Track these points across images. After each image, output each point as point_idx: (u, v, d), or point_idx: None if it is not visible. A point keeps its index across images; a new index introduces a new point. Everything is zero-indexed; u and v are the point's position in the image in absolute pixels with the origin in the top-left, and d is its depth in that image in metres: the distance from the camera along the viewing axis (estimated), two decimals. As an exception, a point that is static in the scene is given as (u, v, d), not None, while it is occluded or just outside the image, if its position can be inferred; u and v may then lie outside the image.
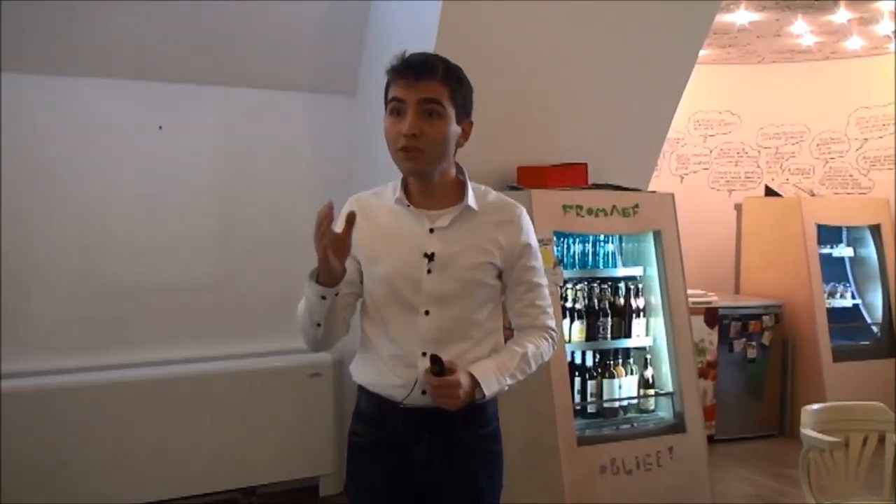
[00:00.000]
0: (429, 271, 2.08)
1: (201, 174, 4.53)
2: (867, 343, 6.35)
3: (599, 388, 4.28)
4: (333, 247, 1.92)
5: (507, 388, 2.15)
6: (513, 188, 4.42)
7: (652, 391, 4.37)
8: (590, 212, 4.16)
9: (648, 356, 4.39)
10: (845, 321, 6.32)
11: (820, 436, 3.28)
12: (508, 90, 4.38)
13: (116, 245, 4.37)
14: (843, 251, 6.46)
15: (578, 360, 4.28)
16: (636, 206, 4.28)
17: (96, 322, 4.33)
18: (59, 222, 4.25)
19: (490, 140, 4.46)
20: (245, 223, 4.63)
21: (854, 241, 6.49)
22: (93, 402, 4.12)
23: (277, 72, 4.55)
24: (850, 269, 6.54)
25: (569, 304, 4.24)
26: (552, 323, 2.25)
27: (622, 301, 4.33)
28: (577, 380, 4.24)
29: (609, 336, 4.29)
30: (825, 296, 6.19)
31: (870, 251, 6.44)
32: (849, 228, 6.46)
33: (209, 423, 4.33)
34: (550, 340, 2.25)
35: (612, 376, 4.30)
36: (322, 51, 4.60)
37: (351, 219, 1.94)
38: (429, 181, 2.13)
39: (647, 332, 4.38)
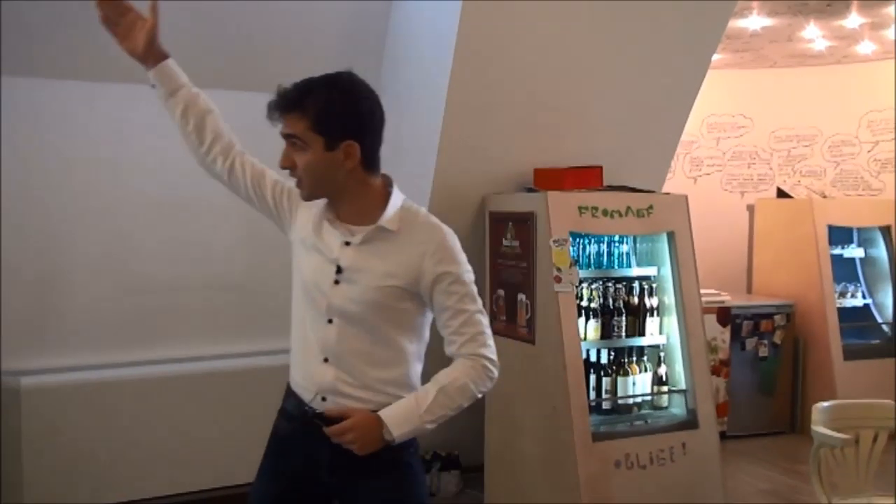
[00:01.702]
0: (336, 282, 2.05)
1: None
2: (877, 342, 6.29)
3: (614, 385, 4.27)
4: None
5: (427, 425, 2.01)
6: (530, 190, 4.42)
7: (665, 388, 4.35)
8: (605, 213, 4.15)
9: (662, 354, 4.37)
10: (856, 320, 6.26)
11: (831, 433, 3.25)
12: (526, 94, 4.38)
13: (145, 245, 4.40)
14: (854, 252, 6.40)
15: (594, 358, 4.27)
16: (650, 207, 4.26)
17: (125, 320, 4.36)
18: (91, 223, 4.28)
19: (507, 143, 4.47)
20: (269, 225, 4.63)
21: (865, 242, 6.43)
22: (120, 397, 4.15)
23: (300, 77, 4.56)
24: (860, 269, 6.48)
25: (584, 303, 4.23)
26: (483, 350, 2.06)
27: (636, 300, 4.32)
28: (593, 377, 4.23)
29: (623, 334, 4.28)
30: (836, 295, 6.13)
31: (880, 252, 6.37)
32: (859, 229, 6.39)
33: (231, 416, 4.34)
34: (482, 369, 2.05)
35: (626, 374, 4.28)
36: (343, 56, 4.58)
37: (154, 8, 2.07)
38: (339, 202, 2.10)
39: (661, 331, 4.36)
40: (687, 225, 4.34)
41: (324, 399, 2.07)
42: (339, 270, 2.05)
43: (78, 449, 4.04)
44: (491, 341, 2.10)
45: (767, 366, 6.04)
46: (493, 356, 2.09)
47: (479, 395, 2.07)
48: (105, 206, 4.29)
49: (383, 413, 1.99)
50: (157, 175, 4.39)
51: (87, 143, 4.24)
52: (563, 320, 3.96)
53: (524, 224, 4.18)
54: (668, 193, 4.55)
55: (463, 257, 2.08)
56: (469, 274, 2.09)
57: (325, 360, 2.07)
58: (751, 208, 6.70)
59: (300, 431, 2.14)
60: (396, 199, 2.10)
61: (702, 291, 4.45)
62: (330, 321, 2.07)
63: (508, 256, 4.30)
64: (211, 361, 4.39)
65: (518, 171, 4.54)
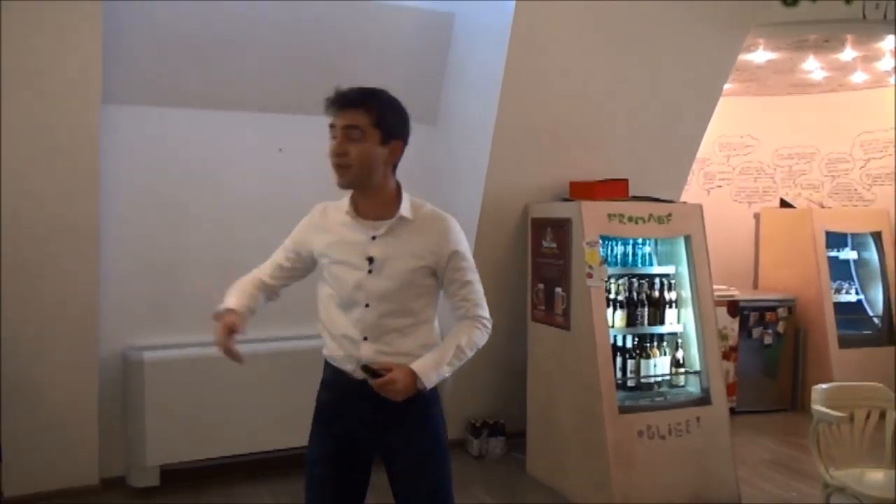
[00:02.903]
0: (370, 272, 2.09)
1: (312, 188, 4.55)
2: (869, 333, 6.09)
3: (637, 366, 4.21)
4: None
5: (447, 375, 2.14)
6: (566, 199, 4.38)
7: (682, 370, 4.27)
8: (630, 219, 4.09)
9: (679, 340, 4.29)
10: (850, 314, 6.08)
11: (829, 411, 3.18)
12: (563, 118, 4.36)
13: (242, 242, 4.44)
14: (849, 254, 6.23)
15: (620, 343, 4.22)
16: (670, 215, 4.19)
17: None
18: (199, 226, 4.34)
19: (547, 160, 4.45)
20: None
21: (858, 246, 6.25)
22: (222, 369, 4.10)
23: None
24: (854, 269, 6.29)
25: (612, 296, 4.17)
26: (483, 312, 2.21)
27: (657, 294, 4.24)
28: (619, 359, 4.17)
29: (646, 323, 4.22)
30: (832, 292, 5.97)
31: (872, 254, 6.18)
32: (853, 235, 6.21)
33: (314, 388, 4.35)
34: (483, 328, 2.20)
35: (648, 356, 4.22)
36: (408, 86, 4.62)
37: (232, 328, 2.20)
38: (365, 194, 2.14)
39: (679, 320, 4.28)
40: (701, 230, 4.27)
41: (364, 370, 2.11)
42: (371, 261, 2.09)
43: (189, 412, 4.10)
44: (485, 304, 2.23)
45: (771, 352, 5.89)
46: (488, 314, 2.22)
47: (479, 347, 2.20)
48: (210, 212, 4.35)
49: (415, 366, 2.07)
50: (250, 187, 4.44)
51: (196, 160, 4.30)
52: (594, 310, 3.91)
53: (561, 228, 4.14)
54: (685, 203, 4.47)
55: (464, 237, 2.20)
56: (469, 252, 2.21)
57: (365, 338, 2.11)
58: (757, 216, 6.58)
59: (340, 398, 2.18)
60: (406, 196, 2.17)
61: (714, 287, 4.36)
62: (367, 305, 2.10)
63: (547, 256, 4.26)
64: (291, 341, 4.38)
65: (556, 184, 4.51)
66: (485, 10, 4.20)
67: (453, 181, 4.55)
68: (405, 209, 2.12)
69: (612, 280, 4.19)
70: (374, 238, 2.11)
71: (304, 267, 2.30)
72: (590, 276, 3.94)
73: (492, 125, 4.19)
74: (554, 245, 4.20)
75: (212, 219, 4.35)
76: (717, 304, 4.58)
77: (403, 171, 2.24)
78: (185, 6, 3.86)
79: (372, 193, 2.13)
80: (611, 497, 3.78)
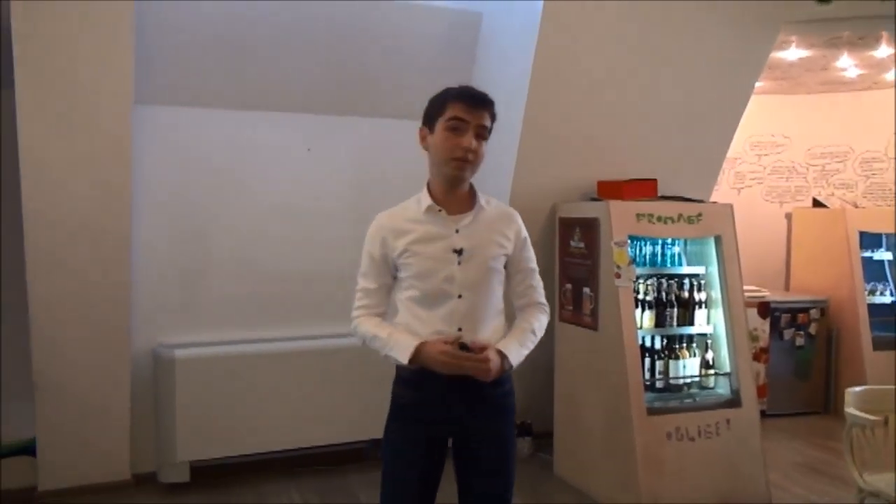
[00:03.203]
0: (459, 263, 2.15)
1: (340, 188, 4.61)
2: (904, 335, 5.98)
3: (666, 367, 4.17)
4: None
5: (524, 356, 2.22)
6: (594, 199, 4.36)
7: (712, 371, 4.22)
8: (659, 219, 4.06)
9: (709, 341, 4.25)
10: (884, 315, 5.94)
11: (863, 414, 3.12)
12: (592, 116, 4.34)
13: (271, 243, 4.48)
14: (883, 255, 6.09)
15: (648, 344, 4.18)
16: (699, 214, 4.14)
17: (254, 304, 4.45)
18: (228, 227, 4.38)
19: (574, 160, 4.43)
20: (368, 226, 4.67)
21: (893, 247, 6.12)
22: (252, 366, 4.22)
23: (402, 104, 4.60)
24: (889, 270, 6.16)
25: (640, 296, 4.14)
26: (544, 299, 2.33)
27: (686, 294, 4.21)
28: (647, 360, 4.13)
29: (675, 324, 4.18)
30: (866, 293, 5.86)
31: (906, 255, 6.06)
32: (888, 235, 6.08)
33: (343, 385, 4.39)
34: (546, 315, 2.32)
35: (677, 357, 4.18)
36: (437, 86, 4.62)
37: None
38: (456, 190, 2.21)
39: (708, 321, 4.24)
40: (732, 230, 4.22)
41: None
42: (459, 254, 2.15)
43: (219, 409, 4.14)
44: None
45: (803, 354, 5.80)
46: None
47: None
48: (239, 211, 4.38)
49: (501, 346, 2.15)
50: (278, 187, 4.47)
51: (226, 160, 4.34)
52: (623, 310, 3.88)
53: (589, 228, 4.11)
54: (715, 203, 4.43)
55: None
56: None
57: (460, 329, 2.15)
58: (789, 216, 6.48)
59: (427, 394, 2.18)
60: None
61: (744, 287, 4.31)
62: (460, 296, 2.15)
63: (575, 255, 4.24)
64: (319, 340, 4.42)
65: (583, 184, 4.49)
66: (513, 9, 4.19)
67: (479, 181, 4.52)
68: (483, 200, 2.23)
69: (641, 280, 4.16)
70: (457, 231, 2.17)
71: (389, 281, 2.28)
72: (618, 276, 3.92)
73: (519, 125, 4.18)
74: (582, 245, 4.18)
75: (240, 218, 4.38)
76: (748, 304, 4.53)
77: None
78: (214, 6, 3.90)
79: (461, 189, 2.22)
80: (638, 499, 3.75)
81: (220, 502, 4.00)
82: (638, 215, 4.02)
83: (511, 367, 2.16)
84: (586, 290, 4.13)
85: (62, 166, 3.64)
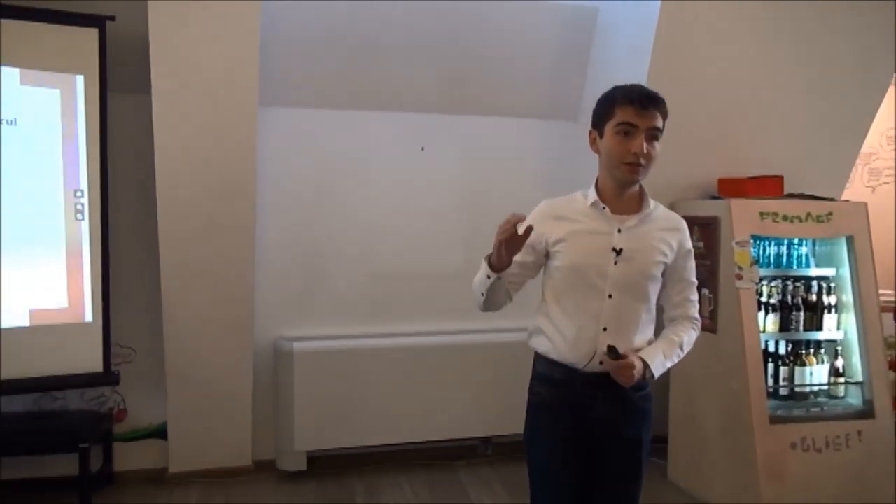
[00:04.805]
0: (615, 262, 2.12)
1: (452, 187, 4.65)
2: None
3: (791, 373, 3.97)
4: (508, 243, 2.00)
5: (666, 368, 2.19)
6: (714, 197, 4.21)
7: (842, 379, 3.99)
8: (785, 218, 3.87)
9: (839, 348, 4.02)
10: None
11: None
12: (710, 112, 4.19)
13: (387, 241, 4.57)
14: None
15: (772, 349, 3.99)
16: (830, 213, 3.93)
17: (371, 300, 4.55)
18: (347, 224, 4.50)
19: (692, 156, 4.29)
20: (485, 226, 4.64)
21: None
22: (368, 360, 4.33)
23: (513, 102, 4.60)
24: None
25: (763, 299, 3.96)
26: (698, 314, 2.29)
27: (814, 297, 3.99)
28: (770, 365, 3.95)
29: (801, 328, 3.98)
30: None
31: None
32: None
33: (455, 382, 4.44)
34: (696, 330, 2.28)
35: (803, 364, 3.97)
36: (550, 84, 4.59)
37: (528, 231, 1.99)
38: (624, 190, 2.18)
39: (838, 326, 4.01)
40: (866, 230, 3.98)
41: (601, 363, 2.13)
42: (618, 253, 2.13)
43: (335, 401, 4.27)
44: None
45: (946, 363, 5.38)
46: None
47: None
48: (357, 209, 4.49)
49: (644, 355, 2.13)
50: (393, 186, 4.55)
51: (343, 159, 4.46)
52: (744, 313, 3.74)
53: (708, 227, 3.97)
54: (847, 201, 4.20)
55: None
56: None
57: (605, 329, 2.14)
58: (930, 216, 6.02)
59: (569, 392, 2.19)
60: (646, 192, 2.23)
61: (880, 291, 4.04)
62: (610, 296, 2.13)
63: (694, 255, 4.10)
64: (432, 336, 4.48)
65: (702, 181, 4.34)
66: (629, 5, 4.10)
67: (592, 176, 4.47)
68: (652, 205, 2.20)
69: (764, 282, 3.98)
70: (619, 231, 2.15)
71: (536, 262, 2.25)
72: (739, 277, 3.77)
73: (636, 121, 4.09)
74: (700, 244, 4.04)
75: (358, 216, 4.49)
76: (883, 309, 4.25)
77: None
78: (332, 7, 4.01)
79: (631, 190, 2.19)
80: (760, 510, 3.60)
81: (334, 492, 4.12)
82: (762, 214, 3.85)
83: (653, 376, 2.14)
84: (705, 291, 3.99)
85: (192, 168, 3.84)
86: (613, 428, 2.18)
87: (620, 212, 2.17)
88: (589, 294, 2.14)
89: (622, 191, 2.18)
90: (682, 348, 2.22)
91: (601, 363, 2.12)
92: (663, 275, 2.20)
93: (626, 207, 2.18)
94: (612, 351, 2.08)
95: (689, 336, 2.24)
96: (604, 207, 2.17)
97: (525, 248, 2.11)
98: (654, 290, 2.19)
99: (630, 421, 2.20)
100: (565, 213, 2.21)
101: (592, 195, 2.20)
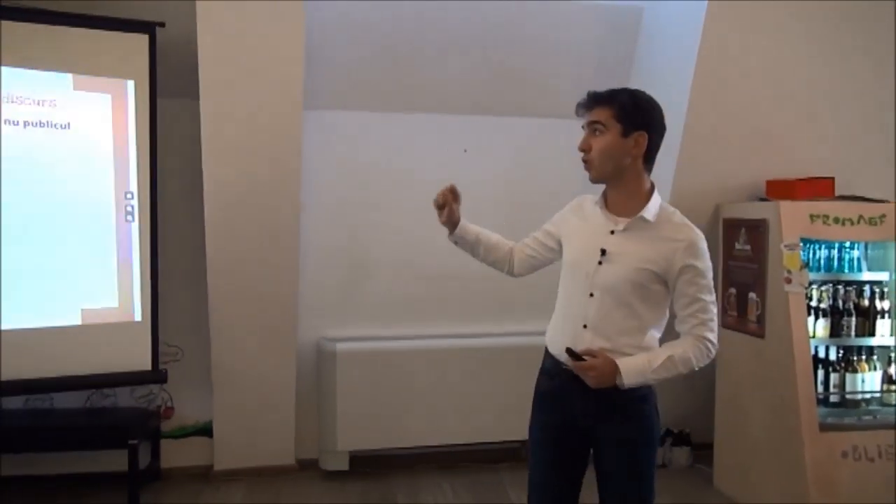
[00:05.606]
0: (599, 262, 2.15)
1: (495, 189, 4.64)
2: None
3: (842, 380, 3.88)
4: (440, 208, 2.49)
5: (651, 381, 2.14)
6: (762, 199, 4.13)
7: (895, 387, 3.87)
8: (836, 220, 3.78)
9: (893, 354, 3.91)
10: None
11: None
12: (759, 113, 4.13)
13: (429, 242, 4.55)
14: None
15: (822, 355, 3.90)
16: (883, 216, 3.82)
17: (413, 301, 4.56)
18: (389, 226, 4.52)
19: (740, 158, 4.22)
20: (527, 227, 4.62)
21: None
22: (410, 361, 4.35)
23: (556, 104, 4.56)
24: None
25: (813, 303, 3.87)
26: (709, 333, 2.14)
27: (867, 302, 3.89)
28: (820, 372, 3.86)
29: (853, 334, 3.88)
30: None
31: None
32: None
33: (496, 384, 4.41)
34: (704, 349, 2.14)
35: (854, 371, 3.88)
36: (594, 85, 4.53)
37: (453, 191, 2.52)
38: (615, 188, 2.20)
39: (892, 332, 3.90)
40: (921, 233, 3.85)
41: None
42: (603, 253, 2.15)
43: (377, 402, 4.29)
44: (716, 327, 2.17)
45: None
46: (716, 340, 2.17)
47: (696, 369, 2.15)
48: (400, 211, 4.50)
49: (620, 362, 2.10)
50: (435, 188, 4.52)
51: (387, 161, 4.49)
52: (793, 318, 3.66)
53: (756, 230, 3.90)
54: (901, 202, 4.06)
55: (707, 256, 2.17)
56: (710, 272, 2.17)
57: (584, 326, 2.18)
58: None
59: (559, 386, 2.25)
60: (657, 199, 2.21)
61: (937, 297, 3.91)
62: (591, 295, 2.16)
63: (740, 258, 4.03)
64: (474, 338, 4.48)
65: (750, 183, 4.26)
66: (675, 6, 4.04)
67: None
68: (648, 211, 2.16)
69: (814, 286, 3.89)
70: (612, 232, 2.18)
71: (549, 246, 2.40)
72: (788, 280, 3.69)
73: (681, 123, 4.03)
74: (748, 247, 3.96)
75: (401, 218, 4.51)
76: (940, 315, 4.11)
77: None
78: (377, 9, 4.03)
79: (621, 188, 2.20)
80: (809, 520, 3.51)
81: (376, 492, 4.15)
82: (812, 216, 3.76)
83: (622, 384, 2.09)
84: (752, 295, 3.92)
85: (239, 170, 3.90)
86: (595, 424, 2.19)
87: (623, 214, 2.19)
88: (577, 291, 2.21)
89: (611, 191, 2.22)
90: (674, 362, 2.10)
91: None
92: (667, 286, 2.15)
93: (627, 209, 2.19)
94: (569, 351, 2.14)
95: (687, 351, 2.12)
96: (603, 206, 2.22)
97: (546, 233, 2.39)
98: (643, 297, 2.13)
99: (613, 420, 2.17)
100: (584, 209, 2.30)
101: (599, 195, 2.26)
